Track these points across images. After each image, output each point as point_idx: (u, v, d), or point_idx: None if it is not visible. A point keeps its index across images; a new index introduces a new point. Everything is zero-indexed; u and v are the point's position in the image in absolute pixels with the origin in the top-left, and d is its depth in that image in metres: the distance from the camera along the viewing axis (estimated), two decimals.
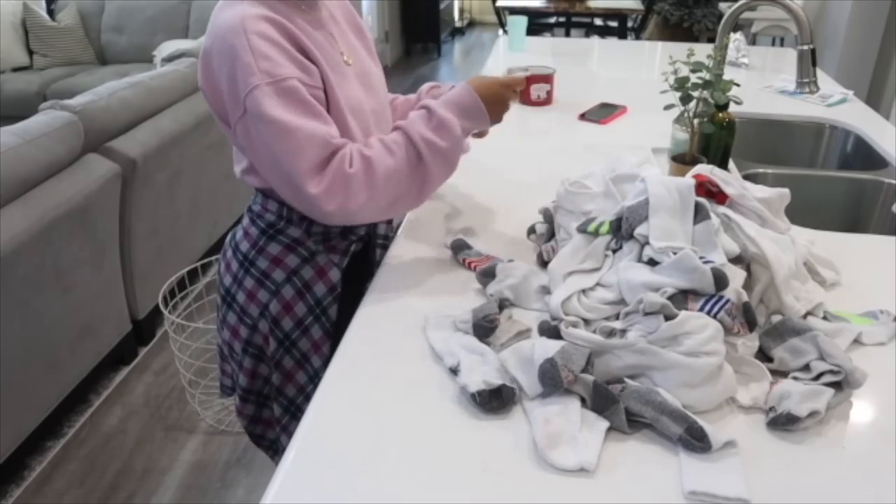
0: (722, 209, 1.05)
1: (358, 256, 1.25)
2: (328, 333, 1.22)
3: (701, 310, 0.89)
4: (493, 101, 1.15)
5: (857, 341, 0.98)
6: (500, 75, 1.18)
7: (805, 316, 1.00)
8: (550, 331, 0.94)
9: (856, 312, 1.04)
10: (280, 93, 1.00)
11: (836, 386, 0.86)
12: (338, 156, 1.02)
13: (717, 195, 1.06)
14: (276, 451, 1.34)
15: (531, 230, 1.28)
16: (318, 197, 1.01)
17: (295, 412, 1.27)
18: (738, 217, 1.04)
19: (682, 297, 0.91)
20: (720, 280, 0.90)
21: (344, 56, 1.16)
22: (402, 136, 1.08)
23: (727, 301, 0.89)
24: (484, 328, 0.97)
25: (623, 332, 0.92)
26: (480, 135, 1.31)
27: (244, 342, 1.24)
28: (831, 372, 0.87)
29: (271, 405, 1.29)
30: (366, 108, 1.17)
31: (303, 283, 1.19)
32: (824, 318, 1.02)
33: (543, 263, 1.14)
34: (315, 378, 1.24)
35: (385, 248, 1.26)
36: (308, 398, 1.21)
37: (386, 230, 1.29)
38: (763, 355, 0.94)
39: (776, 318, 0.98)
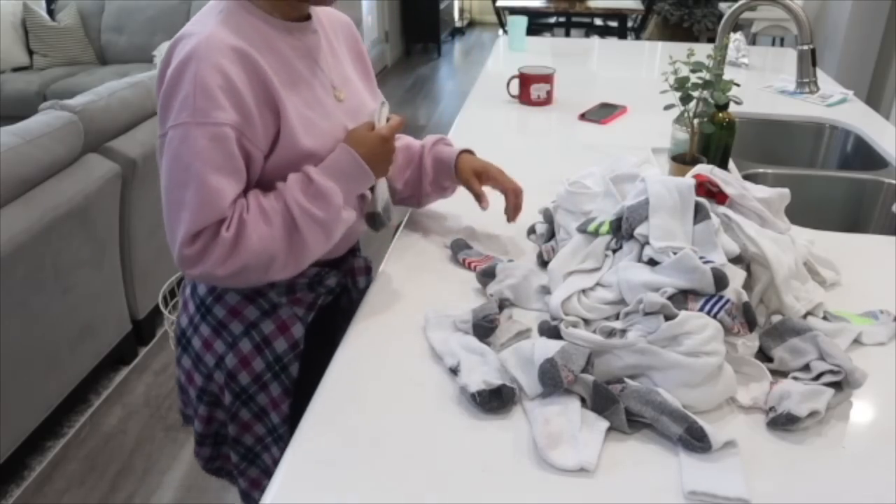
0: (722, 209, 1.05)
1: (326, 309, 1.14)
2: (287, 392, 1.12)
3: (701, 310, 0.89)
4: (375, 156, 1.05)
5: (857, 341, 0.98)
6: (374, 121, 1.08)
7: (805, 316, 1.00)
8: (550, 331, 0.94)
9: (856, 312, 1.04)
10: (207, 136, 0.91)
11: (836, 386, 0.86)
12: (220, 226, 0.94)
13: (717, 195, 1.06)
14: (234, 478, 1.24)
15: (531, 230, 1.28)
16: (188, 258, 0.93)
17: (253, 459, 1.20)
18: (738, 217, 1.03)
19: (682, 297, 0.91)
20: (720, 280, 0.90)
21: (335, 90, 1.07)
22: (279, 203, 0.97)
23: (727, 301, 0.89)
24: (484, 328, 0.97)
25: (623, 332, 0.92)
26: (482, 203, 1.24)
27: (198, 389, 1.15)
28: (831, 372, 0.87)
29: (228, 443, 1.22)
30: (337, 137, 1.05)
31: (262, 338, 1.10)
32: (824, 318, 1.02)
33: (543, 263, 1.14)
34: (273, 432, 1.16)
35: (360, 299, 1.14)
36: (267, 448, 1.18)
37: (365, 282, 1.17)
38: (763, 355, 0.94)
39: (776, 318, 0.98)
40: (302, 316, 1.11)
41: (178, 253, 0.94)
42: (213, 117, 0.91)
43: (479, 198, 1.24)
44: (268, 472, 1.19)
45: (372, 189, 1.09)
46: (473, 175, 1.24)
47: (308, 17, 1.06)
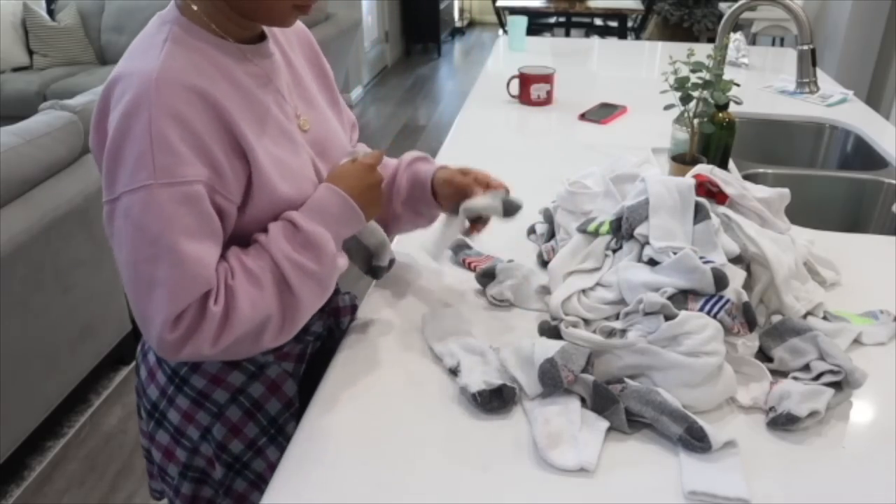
0: (722, 209, 1.05)
1: (318, 355, 1.03)
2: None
3: (701, 310, 0.89)
4: (364, 190, 0.93)
5: (857, 341, 0.98)
6: (353, 159, 0.96)
7: (805, 316, 1.00)
8: (550, 331, 0.94)
9: (856, 312, 1.04)
10: (176, 199, 0.77)
11: (836, 386, 0.86)
12: (205, 302, 0.80)
13: (717, 195, 1.06)
14: None
15: (531, 230, 1.28)
16: (172, 344, 0.79)
17: None
18: (738, 217, 1.03)
19: (682, 297, 0.91)
20: (720, 280, 0.90)
21: (299, 119, 0.94)
22: (265, 259, 0.84)
23: (727, 301, 0.89)
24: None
25: (623, 332, 0.92)
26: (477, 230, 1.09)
27: (182, 466, 1.01)
28: (831, 372, 0.87)
29: None
30: (308, 176, 0.93)
31: (252, 402, 0.98)
32: (824, 318, 1.02)
33: (543, 263, 1.14)
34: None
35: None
36: None
37: (349, 322, 1.06)
38: (763, 355, 0.94)
39: (776, 318, 0.98)
40: (293, 371, 1.00)
41: (158, 339, 0.79)
42: (180, 175, 0.77)
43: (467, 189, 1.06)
44: None
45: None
46: (448, 184, 1.07)
47: (263, 37, 0.92)
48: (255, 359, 0.97)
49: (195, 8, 0.85)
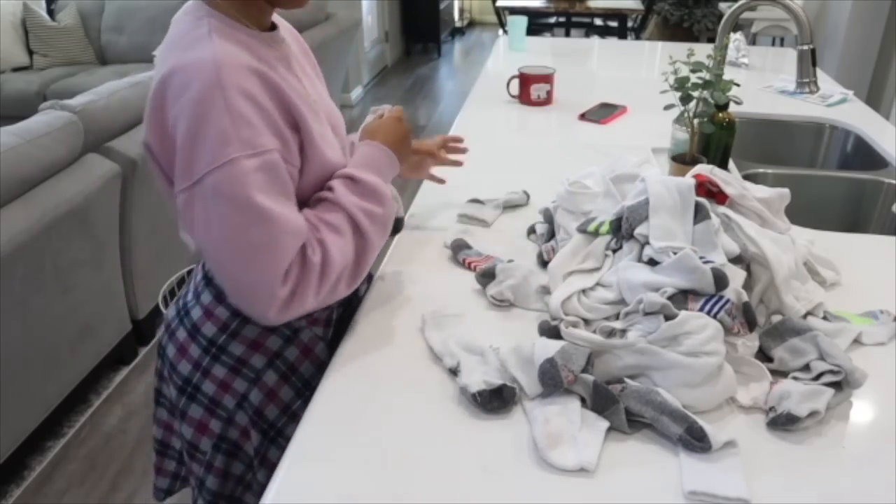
0: (722, 209, 1.05)
1: (340, 322, 1.11)
2: None
3: (701, 310, 0.89)
4: (397, 140, 1.05)
5: (857, 341, 0.98)
6: (379, 115, 1.11)
7: (805, 316, 1.00)
8: (550, 331, 0.94)
9: (856, 312, 1.04)
10: (261, 169, 0.84)
11: (836, 386, 0.86)
12: (303, 251, 0.89)
13: (717, 195, 1.06)
14: None
15: (531, 230, 1.28)
16: (284, 299, 0.86)
17: None
18: (738, 217, 1.04)
19: (682, 297, 0.91)
20: (720, 280, 0.90)
21: (312, 97, 1.00)
22: (338, 211, 0.94)
23: (727, 301, 0.89)
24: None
25: (623, 332, 0.92)
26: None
27: (216, 438, 1.06)
28: (831, 372, 0.87)
29: None
30: (334, 142, 1.02)
31: (287, 366, 1.04)
32: (824, 318, 1.02)
33: (543, 263, 1.14)
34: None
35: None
36: None
37: (366, 289, 1.15)
38: (763, 355, 0.94)
39: (776, 318, 0.98)
40: (322, 335, 1.07)
41: (270, 298, 0.85)
42: (261, 145, 0.84)
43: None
44: None
45: None
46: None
47: (274, 27, 0.99)
48: (290, 323, 1.02)
49: (220, 1, 0.91)
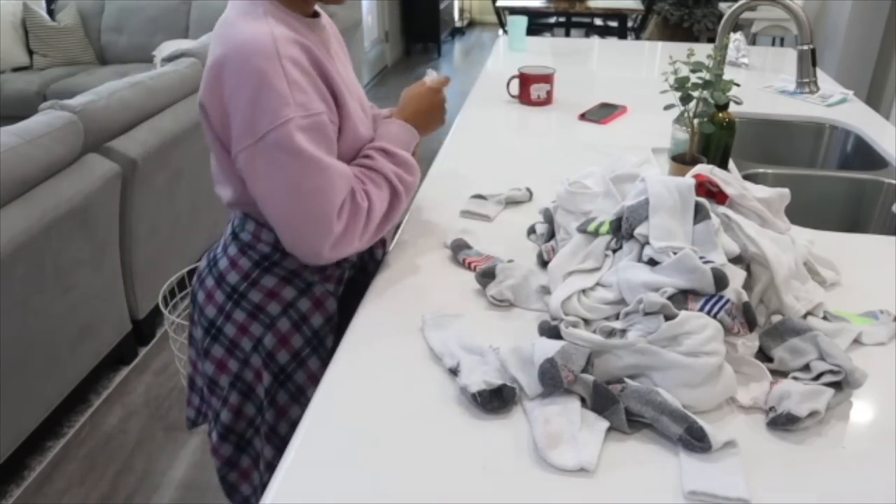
0: (722, 209, 1.05)
1: (351, 283, 1.20)
2: (325, 364, 1.10)
3: (701, 310, 0.89)
4: (427, 112, 1.24)
5: (857, 341, 0.98)
6: (422, 83, 1.28)
7: (805, 316, 1.00)
8: (550, 331, 0.94)
9: (856, 312, 1.04)
10: (313, 128, 0.98)
11: (836, 386, 0.86)
12: (352, 194, 1.03)
13: (717, 195, 1.06)
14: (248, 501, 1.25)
15: (531, 230, 1.27)
16: (339, 235, 1.00)
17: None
18: (738, 217, 1.03)
19: (682, 297, 0.91)
20: (720, 280, 0.90)
21: (344, 78, 1.13)
22: (378, 173, 1.09)
23: (727, 301, 0.89)
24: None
25: (623, 332, 0.92)
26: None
27: (233, 377, 1.17)
28: (831, 372, 0.87)
29: (251, 451, 1.23)
30: (364, 118, 1.16)
31: (300, 316, 1.15)
32: (824, 318, 1.02)
33: (543, 263, 1.14)
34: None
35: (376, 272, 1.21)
36: None
37: (381, 253, 1.25)
38: (763, 355, 0.94)
39: (776, 318, 0.98)
40: (333, 291, 1.17)
41: (327, 233, 0.99)
42: (313, 108, 0.98)
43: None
44: None
45: None
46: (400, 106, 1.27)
47: (317, 15, 1.12)
48: (304, 277, 1.14)
49: None
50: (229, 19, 1.02)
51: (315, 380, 1.14)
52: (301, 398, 1.18)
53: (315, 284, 1.15)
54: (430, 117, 1.25)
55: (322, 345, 1.17)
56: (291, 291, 1.14)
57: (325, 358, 1.15)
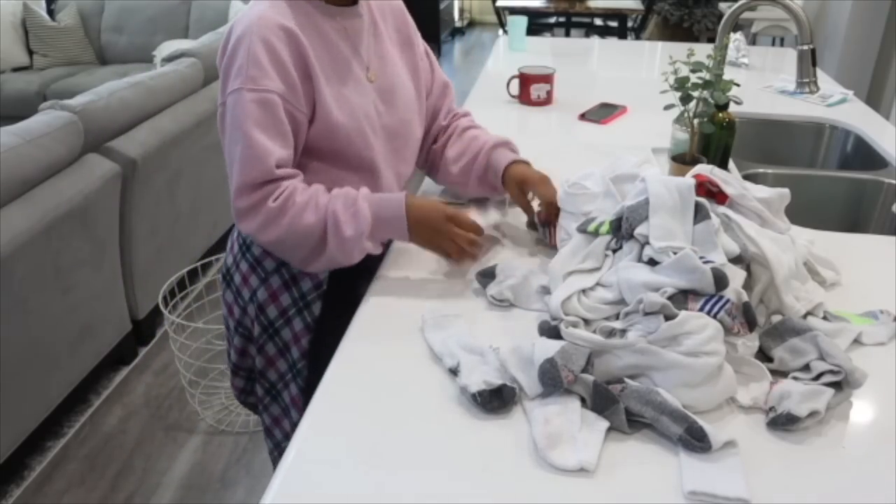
0: (722, 209, 1.05)
1: (350, 276, 1.22)
2: (309, 328, 1.25)
3: (701, 310, 0.88)
4: (425, 226, 1.13)
5: (857, 341, 0.98)
6: (446, 201, 1.27)
7: (805, 316, 1.00)
8: (550, 331, 0.94)
9: (856, 312, 1.04)
10: (256, 102, 1.05)
11: (836, 386, 0.86)
12: (272, 185, 1.07)
13: (717, 195, 1.06)
14: (260, 413, 1.39)
15: (531, 223, 1.28)
16: (239, 212, 1.08)
17: (275, 395, 1.32)
18: (738, 217, 1.03)
19: (682, 297, 0.90)
20: (720, 280, 0.90)
21: (369, 72, 1.18)
22: (324, 206, 1.09)
23: (727, 301, 0.89)
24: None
25: (623, 332, 0.92)
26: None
27: (236, 321, 1.29)
28: (831, 372, 0.87)
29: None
30: (377, 124, 1.18)
31: (290, 276, 1.22)
32: (824, 318, 1.02)
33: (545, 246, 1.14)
34: (293, 367, 1.27)
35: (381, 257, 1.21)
36: (287, 385, 1.30)
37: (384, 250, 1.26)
38: (763, 355, 0.94)
39: (776, 318, 0.98)
40: None
41: (233, 205, 1.08)
42: (262, 85, 1.05)
43: (526, 211, 1.27)
44: (287, 412, 1.32)
45: None
46: (517, 186, 1.26)
47: (354, 3, 1.17)
48: None
49: None
50: (248, 5, 1.13)
51: (297, 340, 1.25)
52: (286, 353, 1.27)
53: None
54: (424, 233, 1.14)
55: (308, 308, 1.24)
56: None
57: (310, 322, 1.24)
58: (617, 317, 0.96)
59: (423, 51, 1.32)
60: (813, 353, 0.90)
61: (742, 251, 0.98)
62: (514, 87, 2.04)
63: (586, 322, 0.96)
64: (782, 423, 0.82)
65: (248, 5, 1.13)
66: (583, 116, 1.92)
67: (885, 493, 0.75)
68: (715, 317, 0.87)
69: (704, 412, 0.85)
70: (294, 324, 1.25)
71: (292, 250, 1.11)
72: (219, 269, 1.32)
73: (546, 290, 1.06)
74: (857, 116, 1.94)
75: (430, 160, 1.40)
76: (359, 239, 1.09)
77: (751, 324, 0.90)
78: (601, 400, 0.84)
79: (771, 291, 1.00)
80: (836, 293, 1.10)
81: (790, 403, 0.82)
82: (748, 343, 0.93)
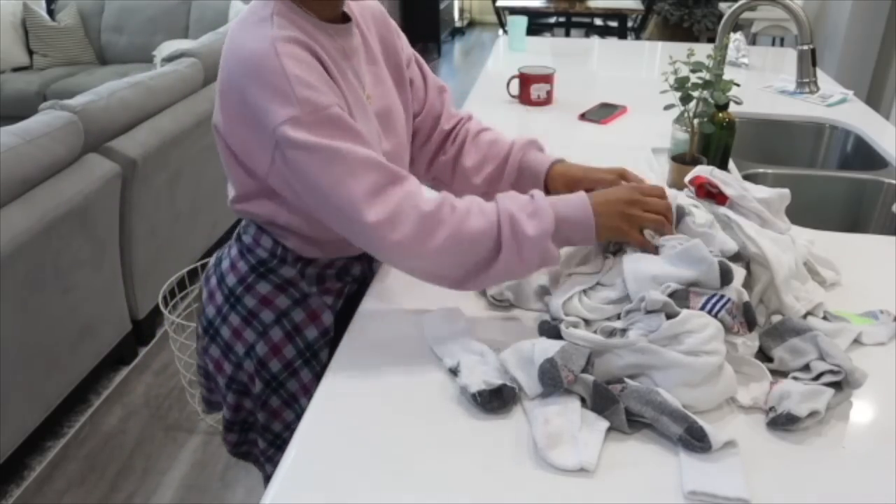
0: (722, 210, 1.05)
1: (353, 297, 1.15)
2: (318, 377, 1.08)
3: (702, 308, 0.89)
4: (610, 222, 0.97)
5: (857, 341, 0.98)
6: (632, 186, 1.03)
7: (805, 316, 1.00)
8: (550, 331, 0.94)
9: (856, 312, 1.04)
10: (323, 122, 0.89)
11: (836, 386, 0.86)
12: (402, 186, 0.91)
13: (717, 196, 1.06)
14: (260, 463, 1.26)
15: None
16: (378, 225, 0.88)
17: (280, 445, 1.20)
18: (738, 217, 1.03)
19: (684, 295, 0.90)
20: (726, 274, 0.90)
21: (365, 91, 1.05)
22: (491, 205, 0.95)
23: (728, 300, 0.89)
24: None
25: (624, 331, 0.92)
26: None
27: (227, 378, 1.16)
28: (831, 372, 0.87)
29: (258, 429, 1.22)
30: (380, 152, 1.03)
31: (293, 326, 1.11)
32: (824, 318, 1.02)
33: None
34: (302, 414, 1.10)
35: None
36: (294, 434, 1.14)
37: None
38: (763, 355, 0.94)
39: (776, 318, 0.98)
40: (331, 304, 1.13)
41: (365, 224, 0.89)
42: (321, 103, 0.90)
43: None
44: None
45: None
46: (565, 187, 1.13)
47: (346, 20, 1.04)
48: (300, 287, 1.10)
49: None
50: (237, 24, 0.97)
51: (307, 391, 1.14)
52: (294, 405, 1.16)
53: (311, 296, 1.11)
54: (618, 230, 0.98)
55: (316, 357, 1.13)
56: (285, 300, 1.10)
57: (319, 371, 1.13)
58: (618, 317, 0.96)
59: (409, 55, 1.19)
60: (813, 353, 0.90)
61: (741, 250, 0.98)
62: (514, 87, 2.05)
63: (587, 322, 0.96)
64: (782, 423, 0.82)
65: (230, 38, 0.96)
66: (583, 116, 1.92)
67: (886, 493, 0.75)
68: (716, 316, 0.88)
69: (704, 412, 0.85)
70: (302, 375, 1.14)
71: (452, 266, 0.93)
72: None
73: (546, 291, 1.06)
74: (857, 116, 1.94)
75: (439, 174, 1.25)
76: (543, 239, 0.93)
77: (750, 323, 0.90)
78: (601, 400, 0.84)
79: (771, 291, 1.00)
80: (836, 293, 1.10)
81: (790, 403, 0.82)
82: (748, 343, 0.93)
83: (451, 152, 1.23)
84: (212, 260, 1.21)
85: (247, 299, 1.10)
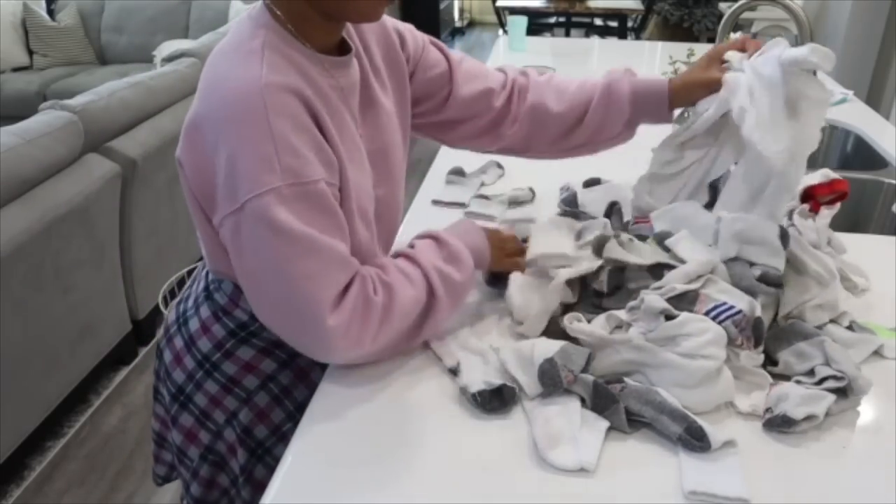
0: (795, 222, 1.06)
1: None
2: None
3: (707, 314, 0.88)
4: (495, 247, 1.03)
5: (878, 353, 0.96)
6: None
7: (827, 324, 0.98)
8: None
9: (886, 326, 1.01)
10: (304, 198, 0.80)
11: (840, 392, 0.85)
12: (357, 280, 0.84)
13: (812, 203, 1.07)
14: None
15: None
16: (334, 330, 0.81)
17: None
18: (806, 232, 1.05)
19: (692, 297, 0.90)
20: (784, 237, 0.93)
21: (359, 130, 0.95)
22: (415, 265, 0.91)
23: (738, 312, 0.88)
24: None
25: (628, 325, 0.91)
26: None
27: (203, 448, 1.04)
28: (834, 378, 0.85)
29: None
30: (371, 194, 0.96)
31: (281, 389, 1.01)
32: (849, 327, 0.98)
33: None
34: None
35: None
36: None
37: None
38: (768, 358, 0.93)
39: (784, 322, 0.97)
40: (320, 361, 1.00)
41: (324, 328, 0.81)
42: (306, 176, 0.80)
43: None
44: None
45: None
46: (688, 96, 1.12)
47: (342, 48, 0.94)
48: (286, 348, 0.97)
49: (279, 13, 0.86)
50: (227, 45, 0.87)
51: None
52: None
53: (298, 356, 0.99)
54: (500, 254, 1.03)
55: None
56: (271, 364, 1.00)
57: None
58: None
59: (421, 44, 1.15)
60: (819, 358, 0.89)
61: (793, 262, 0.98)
62: None
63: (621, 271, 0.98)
64: (777, 424, 0.82)
65: (213, 65, 0.86)
66: None
67: (886, 494, 0.75)
68: (720, 324, 0.87)
69: (702, 413, 0.84)
70: (291, 438, 0.97)
71: (404, 339, 0.91)
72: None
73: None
74: (857, 116, 1.94)
75: (513, 141, 1.20)
76: (470, 275, 0.95)
77: (757, 340, 0.89)
78: (601, 400, 0.84)
79: (807, 306, 0.98)
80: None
81: (787, 406, 0.82)
82: (753, 356, 0.90)
83: (522, 113, 1.18)
84: (169, 316, 1.08)
85: (226, 366, 0.99)
